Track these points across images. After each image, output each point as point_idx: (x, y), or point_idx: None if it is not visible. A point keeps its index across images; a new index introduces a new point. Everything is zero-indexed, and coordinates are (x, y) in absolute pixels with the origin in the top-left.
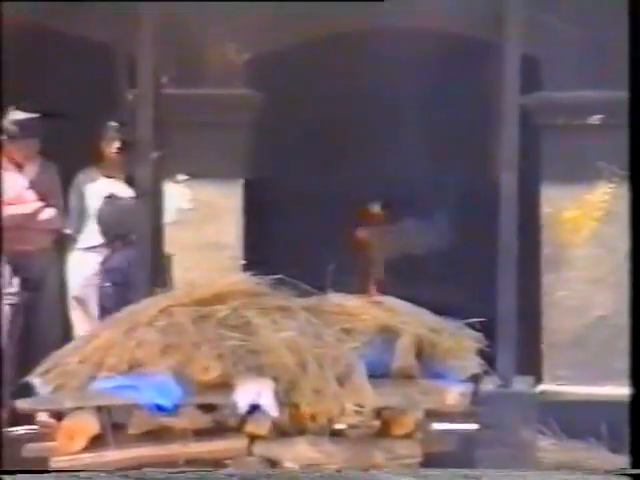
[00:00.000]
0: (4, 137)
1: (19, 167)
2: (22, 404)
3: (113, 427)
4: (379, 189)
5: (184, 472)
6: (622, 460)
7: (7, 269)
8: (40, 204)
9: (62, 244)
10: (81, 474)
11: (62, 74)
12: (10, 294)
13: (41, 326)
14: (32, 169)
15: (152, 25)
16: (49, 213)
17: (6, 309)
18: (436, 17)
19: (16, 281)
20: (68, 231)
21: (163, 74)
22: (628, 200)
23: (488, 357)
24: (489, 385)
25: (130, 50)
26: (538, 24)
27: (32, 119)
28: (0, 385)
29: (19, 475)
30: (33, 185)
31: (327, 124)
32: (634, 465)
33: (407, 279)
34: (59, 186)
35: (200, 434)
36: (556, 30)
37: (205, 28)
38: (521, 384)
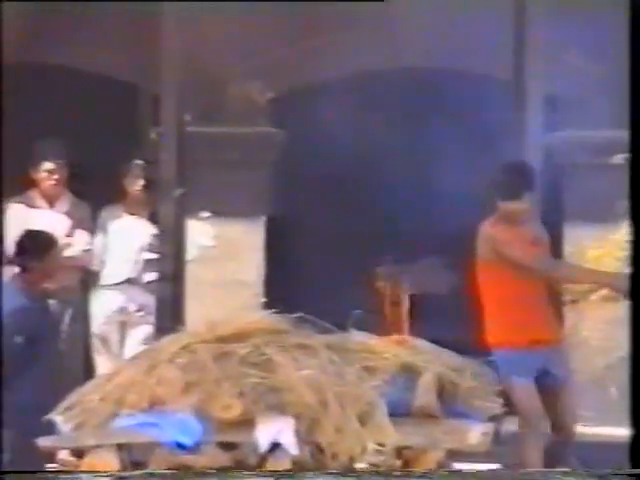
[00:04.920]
0: (38, 173)
1: (50, 204)
2: (44, 442)
3: (134, 465)
4: (396, 230)
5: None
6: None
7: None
8: (69, 240)
9: (88, 281)
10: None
11: (87, 113)
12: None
13: (63, 364)
14: (63, 206)
15: (175, 63)
16: (78, 250)
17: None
18: (458, 57)
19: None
20: (95, 268)
21: (186, 112)
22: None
23: (509, 397)
24: (511, 425)
25: (154, 88)
26: (559, 63)
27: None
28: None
29: (19, 475)
30: (63, 222)
31: (349, 163)
32: (634, 465)
33: (428, 318)
34: (89, 224)
35: (221, 472)
36: (577, 69)
37: (228, 66)
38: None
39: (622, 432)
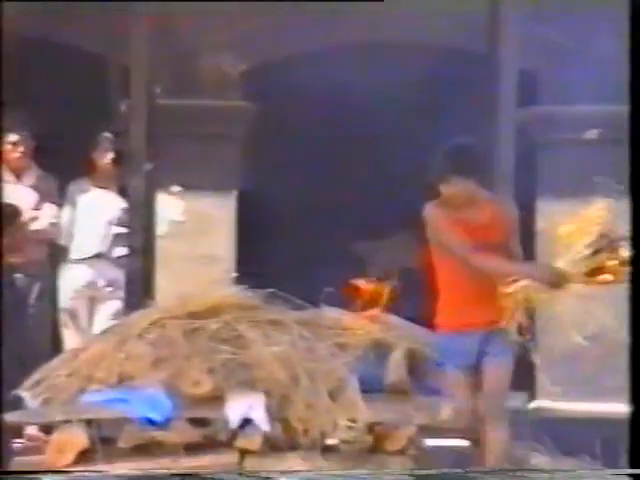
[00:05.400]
0: (3, 145)
1: (16, 177)
2: (11, 417)
3: (103, 441)
4: (373, 203)
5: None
6: (615, 477)
7: None
8: (36, 214)
9: (56, 255)
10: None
11: (55, 84)
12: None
13: (31, 338)
14: (29, 179)
15: (146, 35)
16: (44, 223)
17: None
18: (432, 31)
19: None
20: (62, 242)
21: (157, 84)
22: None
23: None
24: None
25: (123, 60)
26: (535, 38)
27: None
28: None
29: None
30: (30, 195)
31: (323, 137)
32: (634, 465)
33: (401, 294)
34: (56, 197)
35: (191, 448)
36: (553, 44)
37: (200, 38)
38: (515, 400)
39: (594, 407)
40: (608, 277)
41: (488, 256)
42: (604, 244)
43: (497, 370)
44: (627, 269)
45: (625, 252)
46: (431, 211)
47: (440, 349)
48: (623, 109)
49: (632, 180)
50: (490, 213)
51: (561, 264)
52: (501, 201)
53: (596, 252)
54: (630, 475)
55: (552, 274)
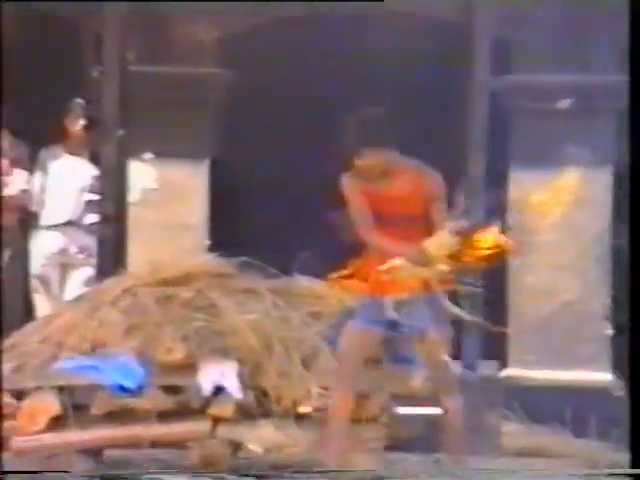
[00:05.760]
0: None
1: None
2: None
3: (75, 408)
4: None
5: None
6: (584, 445)
7: None
8: (6, 180)
9: (27, 222)
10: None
11: (27, 50)
12: None
13: (3, 305)
14: None
15: (119, 1)
16: (15, 190)
17: None
18: (409, 0)
19: None
20: (33, 209)
21: (130, 51)
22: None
23: (453, 341)
24: (454, 369)
25: (96, 26)
26: (509, 6)
27: None
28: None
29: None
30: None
31: (298, 105)
32: (634, 465)
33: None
34: (27, 163)
35: (163, 416)
36: (527, 13)
37: (173, 4)
38: (486, 369)
39: (565, 375)
40: (468, 259)
41: (379, 235)
42: (463, 229)
43: (430, 342)
44: (496, 251)
45: (492, 236)
46: (345, 183)
47: (357, 309)
48: (597, 79)
49: (632, 176)
50: (409, 184)
51: (430, 246)
52: (423, 171)
53: (457, 236)
54: (630, 475)
55: (420, 256)
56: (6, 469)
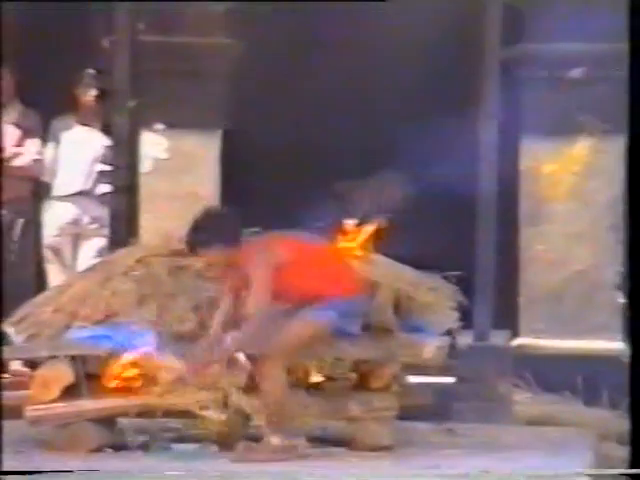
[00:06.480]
0: None
1: None
2: None
3: (87, 377)
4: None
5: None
6: (596, 414)
7: None
8: (19, 150)
9: (40, 192)
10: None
11: (39, 20)
12: None
13: (16, 275)
14: (11, 115)
15: None
16: (27, 160)
17: None
18: None
19: None
20: (45, 179)
21: (140, 20)
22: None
23: (465, 311)
24: (466, 339)
25: None
26: None
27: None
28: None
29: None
30: (12, 131)
31: (309, 74)
32: (634, 465)
33: (387, 234)
34: (39, 133)
35: (176, 384)
36: None
37: None
38: (498, 338)
39: (576, 345)
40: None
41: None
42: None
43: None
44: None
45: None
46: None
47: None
48: (608, 47)
49: (631, 173)
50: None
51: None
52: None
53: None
54: (630, 475)
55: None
56: (6, 469)
